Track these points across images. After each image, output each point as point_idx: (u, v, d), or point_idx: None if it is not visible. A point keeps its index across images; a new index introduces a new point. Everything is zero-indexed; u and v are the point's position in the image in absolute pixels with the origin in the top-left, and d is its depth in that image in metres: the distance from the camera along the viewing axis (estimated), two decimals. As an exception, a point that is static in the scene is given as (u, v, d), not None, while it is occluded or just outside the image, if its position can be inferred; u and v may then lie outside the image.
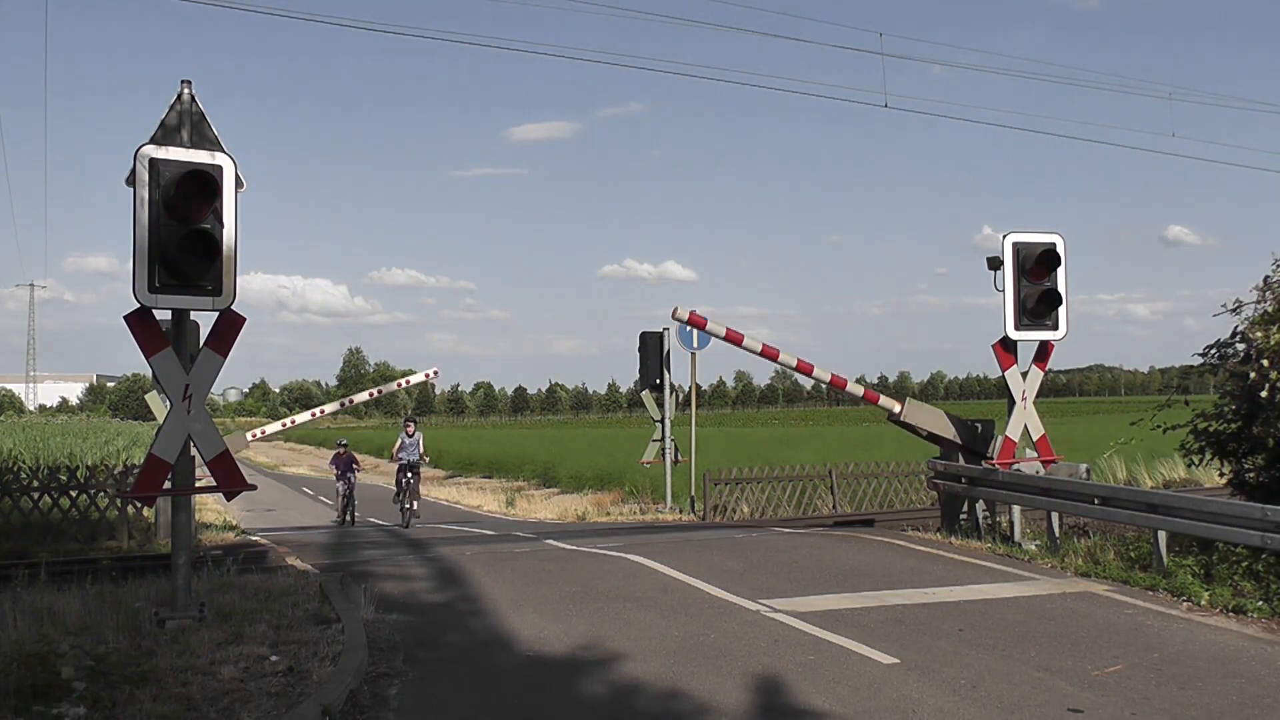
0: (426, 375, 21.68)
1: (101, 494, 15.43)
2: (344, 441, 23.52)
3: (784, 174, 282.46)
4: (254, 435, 20.58)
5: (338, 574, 10.19)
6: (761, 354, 13.24)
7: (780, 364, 13.29)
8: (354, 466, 22.44)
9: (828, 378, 13.33)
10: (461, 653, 7.32)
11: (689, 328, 13.11)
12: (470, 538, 16.17)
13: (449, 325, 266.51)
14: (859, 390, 13.49)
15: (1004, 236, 12.17)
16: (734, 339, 13.30)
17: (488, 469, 40.83)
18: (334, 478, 22.63)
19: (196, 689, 6.03)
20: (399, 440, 20.24)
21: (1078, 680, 6.52)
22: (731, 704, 6.08)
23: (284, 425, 22.41)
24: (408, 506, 19.59)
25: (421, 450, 20.25)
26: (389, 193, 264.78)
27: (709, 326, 13.32)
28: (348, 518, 21.76)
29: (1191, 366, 11.88)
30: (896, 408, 13.13)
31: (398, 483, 20.18)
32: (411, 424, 20.47)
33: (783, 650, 7.25)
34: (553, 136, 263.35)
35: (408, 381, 21.72)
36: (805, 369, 13.30)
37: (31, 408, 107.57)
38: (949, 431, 12.99)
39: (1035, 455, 12.55)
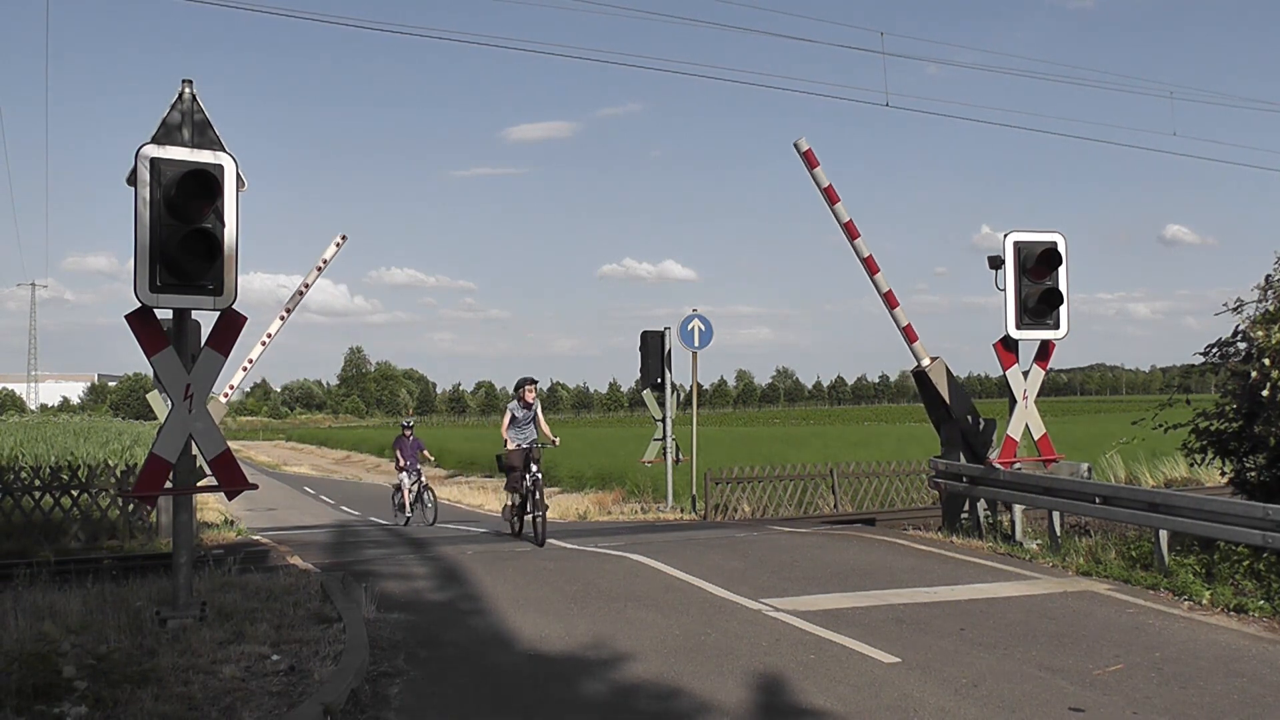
0: (335, 244, 20.08)
1: (103, 493, 15.44)
2: (409, 423, 20.99)
3: (784, 174, 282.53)
4: (226, 395, 19.51)
5: (339, 573, 10.20)
6: (845, 227, 13.56)
7: (854, 248, 13.53)
8: (422, 454, 20.10)
9: (885, 289, 13.51)
10: (463, 652, 7.33)
11: (806, 165, 13.48)
12: (472, 537, 16.16)
13: (449, 325, 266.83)
14: (904, 320, 13.55)
15: (1005, 235, 12.16)
16: (832, 197, 13.58)
17: (489, 468, 40.78)
18: (395, 468, 20.50)
19: (198, 688, 6.03)
20: (508, 414, 13.55)
21: (1079, 679, 6.51)
22: (732, 703, 6.08)
23: (244, 369, 20.98)
24: (533, 514, 13.12)
25: (545, 429, 13.58)
26: (389, 192, 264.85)
27: (816, 171, 13.61)
28: (411, 514, 19.59)
29: (1193, 366, 11.87)
30: (926, 360, 13.28)
31: (510, 475, 13.73)
32: (530, 386, 13.58)
33: (784, 649, 7.26)
34: (551, 136, 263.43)
35: (325, 261, 19.73)
36: (873, 268, 13.49)
37: (33, 407, 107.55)
38: (948, 397, 13.08)
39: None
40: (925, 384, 13.31)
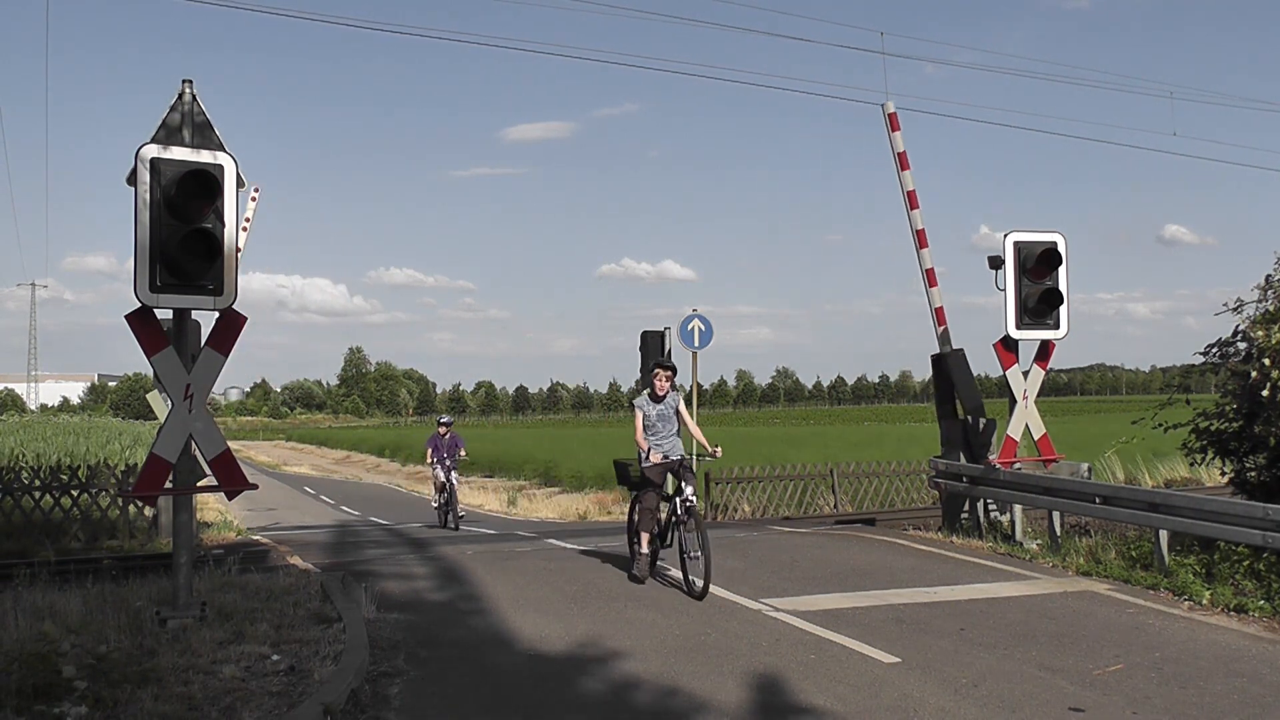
0: (251, 198, 19.54)
1: (103, 493, 15.44)
2: (447, 420, 19.56)
3: (784, 174, 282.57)
4: None
5: (339, 573, 10.20)
6: (907, 196, 13.73)
7: (910, 219, 13.72)
8: (459, 452, 18.64)
9: (928, 266, 13.71)
10: (463, 651, 7.33)
11: (892, 130, 13.74)
12: (472, 537, 16.17)
13: (449, 324, 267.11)
14: (938, 301, 13.68)
15: (1005, 236, 12.16)
16: (903, 164, 13.76)
17: (489, 468, 40.84)
18: (430, 465, 19.12)
19: (198, 688, 6.03)
20: (639, 414, 9.77)
21: (1079, 679, 6.51)
22: (732, 702, 6.08)
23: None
24: (684, 552, 9.30)
25: (697, 431, 10.03)
26: (388, 192, 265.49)
27: (895, 135, 13.72)
28: (448, 519, 18.56)
29: (1193, 365, 11.87)
30: (947, 347, 13.41)
31: (642, 496, 9.78)
32: (663, 373, 9.73)
33: (784, 649, 7.26)
34: (550, 136, 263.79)
35: (248, 220, 19.20)
36: (922, 242, 13.73)
37: (33, 407, 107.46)
38: (961, 388, 13.14)
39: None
40: (941, 371, 13.31)
